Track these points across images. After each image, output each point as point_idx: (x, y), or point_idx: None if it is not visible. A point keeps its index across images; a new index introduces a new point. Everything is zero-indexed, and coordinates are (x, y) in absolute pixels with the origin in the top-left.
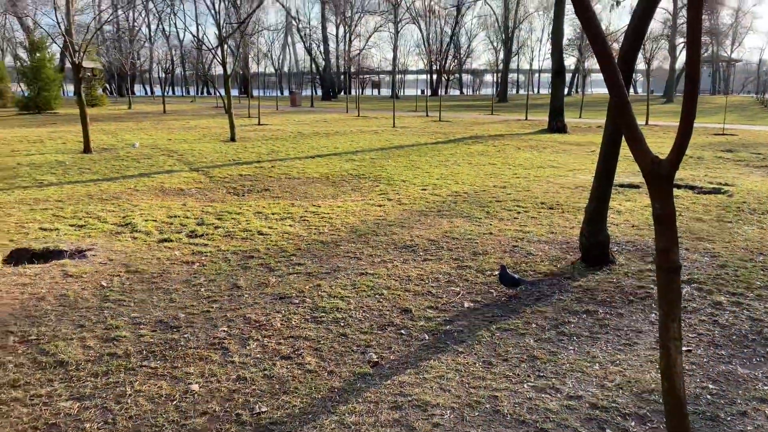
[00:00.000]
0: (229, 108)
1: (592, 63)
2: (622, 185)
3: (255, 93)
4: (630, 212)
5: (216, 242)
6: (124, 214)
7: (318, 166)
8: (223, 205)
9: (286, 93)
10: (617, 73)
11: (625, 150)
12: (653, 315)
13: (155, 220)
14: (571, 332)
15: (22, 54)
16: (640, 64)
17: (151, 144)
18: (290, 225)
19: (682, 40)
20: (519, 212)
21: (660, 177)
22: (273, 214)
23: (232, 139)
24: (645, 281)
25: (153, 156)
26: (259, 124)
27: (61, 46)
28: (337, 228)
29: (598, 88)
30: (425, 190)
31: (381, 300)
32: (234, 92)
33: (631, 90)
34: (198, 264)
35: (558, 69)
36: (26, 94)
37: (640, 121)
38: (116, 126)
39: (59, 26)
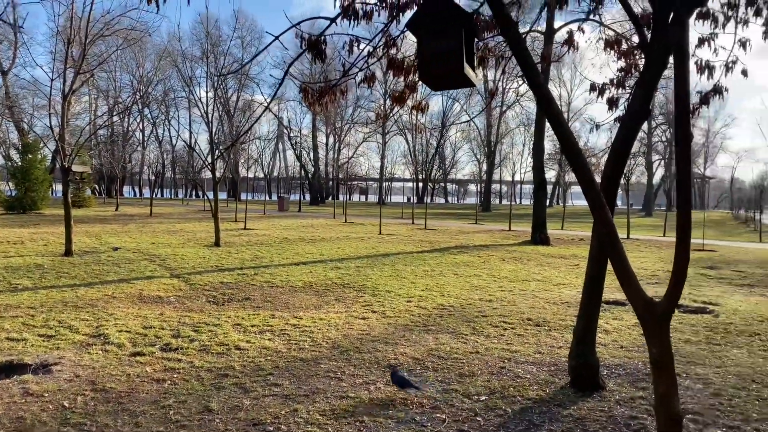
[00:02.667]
0: (215, 213)
1: (572, 176)
2: (607, 302)
3: (243, 196)
4: (618, 331)
5: (190, 357)
6: (98, 323)
7: (302, 273)
8: (201, 315)
9: (274, 197)
10: (605, 209)
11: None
12: None
13: (129, 331)
14: None
15: (14, 155)
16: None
17: (134, 248)
18: (269, 339)
19: (657, 156)
20: (505, 329)
21: (655, 320)
22: (252, 326)
23: (217, 244)
24: (638, 410)
25: (135, 260)
26: (245, 228)
27: (53, 150)
28: (318, 343)
29: (578, 200)
30: (410, 302)
31: (362, 429)
32: (222, 195)
33: None
34: (169, 382)
35: (540, 184)
36: (13, 194)
37: (621, 234)
38: (101, 228)
39: (52, 130)
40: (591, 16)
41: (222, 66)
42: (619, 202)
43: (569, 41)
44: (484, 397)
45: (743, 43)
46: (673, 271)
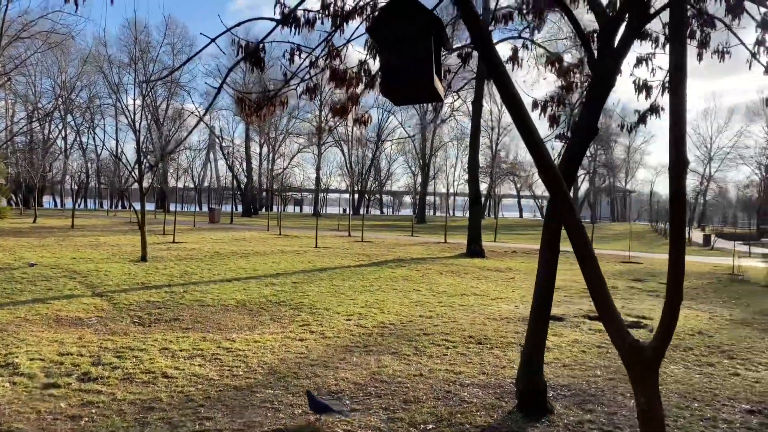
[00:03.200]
0: (142, 225)
1: (503, 189)
2: None
3: (172, 208)
4: (558, 348)
5: (112, 388)
6: (7, 351)
7: (235, 291)
8: (124, 339)
9: (205, 208)
10: (581, 230)
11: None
12: None
13: (43, 359)
14: None
15: None
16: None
17: (53, 263)
18: (200, 365)
19: (582, 171)
20: (448, 348)
21: (643, 366)
22: (181, 350)
23: (144, 258)
24: None
25: (53, 278)
26: (174, 241)
27: None
28: (253, 369)
29: (509, 212)
30: (350, 320)
31: None
32: (150, 206)
33: (534, 214)
34: (87, 419)
35: (475, 196)
36: None
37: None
38: (15, 242)
39: None
40: (529, 35)
41: (151, 73)
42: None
43: (513, 58)
44: (431, 426)
45: None
46: (663, 312)
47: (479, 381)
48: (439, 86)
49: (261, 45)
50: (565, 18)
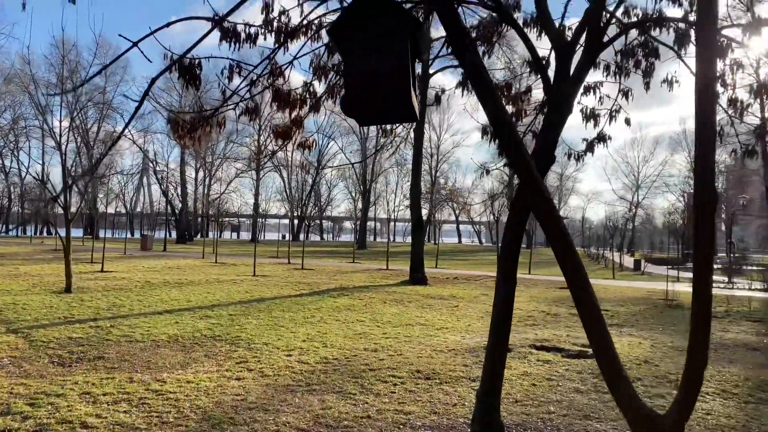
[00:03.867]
0: (66, 253)
1: (443, 215)
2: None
3: (102, 234)
4: (509, 381)
5: None
6: None
7: (167, 324)
8: (40, 383)
9: (137, 235)
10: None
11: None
12: None
13: None
14: None
15: None
16: (489, 217)
17: None
18: (125, 411)
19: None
20: (395, 384)
21: None
22: (104, 394)
23: (68, 289)
24: None
25: None
26: (102, 270)
27: None
28: (185, 414)
29: (448, 237)
30: (291, 355)
31: None
32: (77, 233)
33: (472, 240)
34: None
35: (417, 222)
36: None
37: (489, 271)
38: None
39: None
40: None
41: (80, 94)
42: (483, 240)
43: (464, 83)
44: None
45: (626, 93)
46: (685, 373)
47: (430, 422)
48: (415, 102)
49: (197, 60)
50: (511, 45)
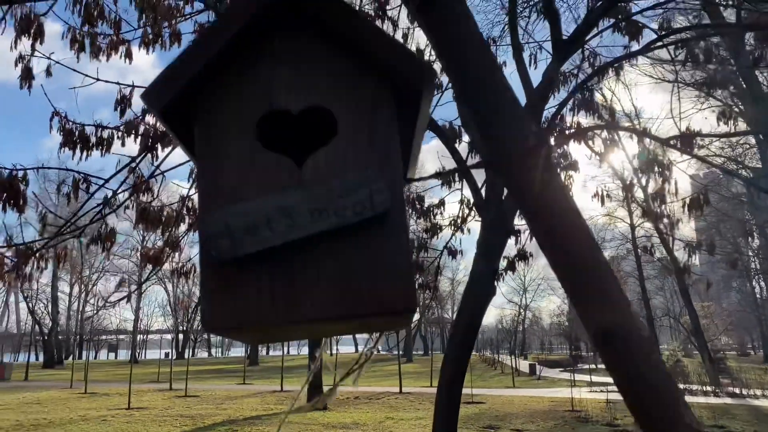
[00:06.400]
0: None
1: None
2: None
3: None
4: None
5: None
6: None
7: None
8: None
9: None
10: None
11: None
12: None
13: None
14: None
15: None
16: None
17: None
18: None
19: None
20: None
21: None
22: None
23: None
24: None
25: None
26: None
27: None
28: None
29: (344, 346)
30: None
31: None
32: None
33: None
34: None
35: None
36: None
37: (392, 386)
38: None
39: None
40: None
41: None
42: (380, 347)
43: None
44: None
45: None
46: None
47: None
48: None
49: (23, 173)
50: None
